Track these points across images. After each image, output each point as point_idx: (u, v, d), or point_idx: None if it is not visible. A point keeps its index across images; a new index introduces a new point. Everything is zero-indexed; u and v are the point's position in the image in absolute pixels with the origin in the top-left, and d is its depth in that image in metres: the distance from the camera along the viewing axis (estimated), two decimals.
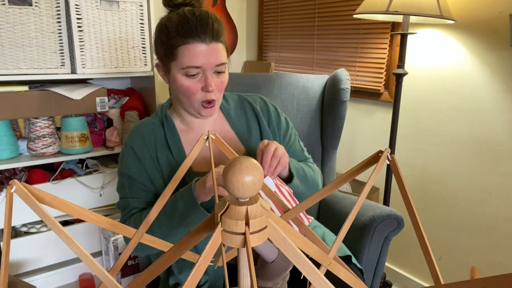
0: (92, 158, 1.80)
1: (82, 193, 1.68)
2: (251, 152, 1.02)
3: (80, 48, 1.56)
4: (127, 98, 1.85)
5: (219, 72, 0.91)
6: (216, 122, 1.04)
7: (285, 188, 0.93)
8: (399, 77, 1.48)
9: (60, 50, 1.53)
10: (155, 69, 1.78)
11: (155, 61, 0.98)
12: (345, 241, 1.15)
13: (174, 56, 0.89)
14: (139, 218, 0.93)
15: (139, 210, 0.96)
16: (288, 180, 0.96)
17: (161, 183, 0.96)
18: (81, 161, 1.79)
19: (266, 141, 0.87)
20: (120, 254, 1.15)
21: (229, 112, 1.05)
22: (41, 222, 1.67)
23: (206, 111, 0.93)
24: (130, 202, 0.96)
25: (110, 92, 1.88)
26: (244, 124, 1.05)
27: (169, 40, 0.88)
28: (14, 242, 1.56)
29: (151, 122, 1.01)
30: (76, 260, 1.72)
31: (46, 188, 1.57)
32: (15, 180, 0.33)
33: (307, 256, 0.36)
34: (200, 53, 0.87)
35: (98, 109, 1.64)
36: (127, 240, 0.98)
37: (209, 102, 0.92)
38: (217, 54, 0.89)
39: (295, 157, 1.08)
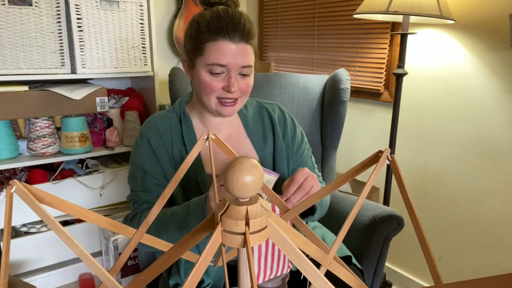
0: (92, 158, 1.81)
1: (82, 193, 1.68)
2: (264, 162, 1.01)
3: (80, 48, 1.56)
4: (127, 98, 1.85)
5: (244, 75, 0.90)
6: (233, 127, 1.03)
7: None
8: (399, 77, 1.48)
9: (60, 50, 1.53)
10: (155, 69, 1.79)
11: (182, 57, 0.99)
12: (345, 241, 1.15)
13: (201, 52, 0.88)
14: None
15: (150, 205, 0.95)
16: (309, 211, 0.96)
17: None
18: (81, 161, 1.79)
19: (307, 171, 0.81)
20: (120, 254, 1.15)
21: (247, 119, 1.04)
22: (41, 222, 1.67)
23: (225, 109, 0.92)
24: (141, 195, 0.95)
25: (110, 92, 1.89)
26: (261, 133, 1.04)
27: (198, 35, 0.88)
28: (14, 242, 1.56)
29: (168, 117, 1.00)
30: (76, 260, 1.72)
31: (46, 188, 1.57)
32: (15, 180, 0.33)
33: (307, 256, 0.36)
34: (227, 51, 0.86)
35: (98, 109, 1.64)
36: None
37: (230, 101, 0.91)
38: (244, 55, 0.88)
39: None
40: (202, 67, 0.89)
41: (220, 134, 1.01)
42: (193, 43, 0.90)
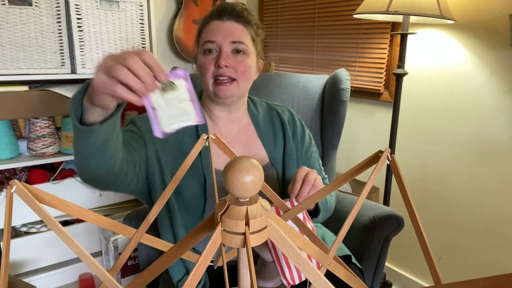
0: None
1: (82, 193, 1.68)
2: (274, 162, 1.01)
3: (80, 48, 1.56)
4: None
5: (237, 52, 0.91)
6: (244, 127, 1.03)
7: (310, 225, 0.91)
8: (399, 77, 1.48)
9: (60, 50, 1.53)
10: None
11: None
12: (345, 241, 1.15)
13: (199, 37, 0.95)
14: None
15: None
16: (313, 213, 0.96)
17: (171, 166, 0.92)
18: None
19: (305, 168, 0.85)
20: (120, 254, 1.15)
21: (258, 120, 1.04)
22: (41, 222, 1.67)
23: (220, 89, 0.90)
24: None
25: None
26: (271, 134, 1.04)
27: (200, 26, 0.96)
28: (14, 242, 1.56)
29: None
30: (76, 260, 1.72)
31: (46, 188, 1.57)
32: (15, 180, 0.33)
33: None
34: (216, 29, 0.90)
35: None
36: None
37: (223, 81, 0.90)
38: (234, 31, 0.90)
39: None
40: (199, 51, 0.93)
41: (231, 132, 1.01)
42: (196, 34, 0.97)
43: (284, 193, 1.01)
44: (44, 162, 1.57)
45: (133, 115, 0.97)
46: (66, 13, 1.52)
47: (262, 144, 1.02)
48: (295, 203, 0.81)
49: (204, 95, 1.01)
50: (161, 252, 1.05)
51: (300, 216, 0.85)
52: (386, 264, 1.88)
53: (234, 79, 0.91)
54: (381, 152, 0.44)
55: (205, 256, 0.31)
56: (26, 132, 1.68)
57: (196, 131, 0.96)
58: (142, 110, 1.82)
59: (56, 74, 1.54)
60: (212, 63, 0.90)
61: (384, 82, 1.77)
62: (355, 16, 1.46)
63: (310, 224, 0.89)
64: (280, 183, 1.01)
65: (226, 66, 0.89)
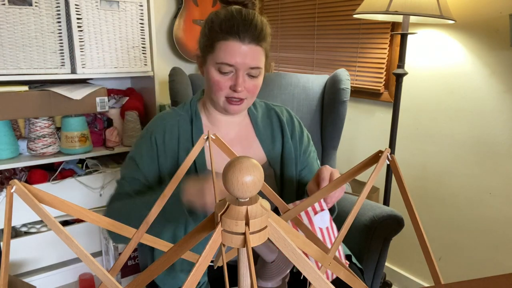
0: (92, 158, 1.80)
1: (82, 193, 1.68)
2: (272, 163, 1.01)
3: (80, 48, 1.56)
4: (127, 98, 1.85)
5: (252, 76, 0.91)
6: (243, 127, 1.03)
7: (335, 226, 0.90)
8: (399, 77, 1.48)
9: (60, 50, 1.54)
10: (155, 69, 1.79)
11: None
12: (345, 241, 1.15)
13: (212, 49, 0.89)
14: (120, 204, 0.90)
15: (127, 197, 0.92)
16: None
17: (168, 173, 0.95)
18: (81, 161, 1.79)
19: (329, 167, 0.85)
20: (120, 254, 1.15)
21: (257, 120, 1.04)
22: (41, 222, 1.67)
23: (232, 107, 0.92)
24: (125, 186, 0.94)
25: (110, 92, 1.88)
26: (269, 134, 1.04)
27: (210, 33, 0.90)
28: (14, 242, 1.56)
29: (177, 114, 1.00)
30: (76, 260, 1.72)
31: (46, 188, 1.57)
32: (15, 180, 0.33)
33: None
34: (236, 51, 0.87)
35: (98, 109, 1.64)
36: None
37: (236, 100, 0.91)
38: (253, 56, 0.88)
39: (312, 175, 1.07)
40: (212, 64, 0.90)
41: (230, 134, 1.01)
42: (205, 40, 0.91)
43: (282, 194, 1.01)
44: (44, 162, 1.57)
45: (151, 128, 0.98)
46: (66, 13, 1.52)
47: (260, 145, 1.02)
48: (324, 205, 0.82)
49: (206, 96, 1.00)
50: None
51: (327, 221, 0.84)
52: (386, 264, 1.88)
53: (243, 98, 0.93)
54: (381, 152, 0.44)
55: (205, 256, 0.31)
56: (26, 132, 1.68)
57: (191, 139, 0.97)
58: (141, 109, 1.81)
59: (56, 74, 1.54)
60: (228, 84, 0.90)
61: (384, 82, 1.77)
62: (355, 16, 1.46)
63: (334, 227, 0.88)
64: (278, 183, 1.01)
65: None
